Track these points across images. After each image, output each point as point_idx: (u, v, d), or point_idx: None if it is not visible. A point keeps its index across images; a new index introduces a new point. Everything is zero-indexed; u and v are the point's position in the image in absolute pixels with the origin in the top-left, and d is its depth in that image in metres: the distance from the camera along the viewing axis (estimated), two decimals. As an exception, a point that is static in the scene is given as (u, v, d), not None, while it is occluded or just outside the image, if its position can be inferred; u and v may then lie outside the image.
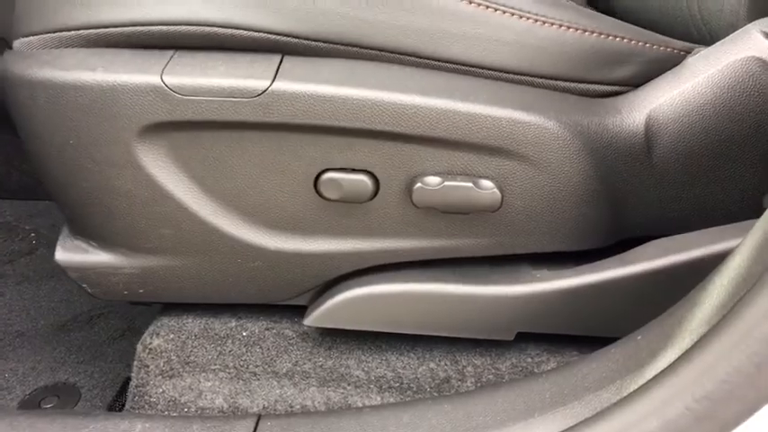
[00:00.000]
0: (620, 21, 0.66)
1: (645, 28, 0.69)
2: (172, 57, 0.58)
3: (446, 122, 0.57)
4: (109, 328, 0.99)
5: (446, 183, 0.59)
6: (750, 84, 0.59)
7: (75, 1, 0.60)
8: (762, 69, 0.59)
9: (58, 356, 0.93)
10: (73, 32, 0.60)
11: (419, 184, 0.59)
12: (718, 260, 0.48)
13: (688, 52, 0.65)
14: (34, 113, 0.59)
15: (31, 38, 0.61)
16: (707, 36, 0.74)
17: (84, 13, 0.59)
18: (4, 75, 0.61)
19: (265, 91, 0.56)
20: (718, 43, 0.62)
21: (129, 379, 0.85)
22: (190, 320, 0.72)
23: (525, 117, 0.58)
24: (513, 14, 0.60)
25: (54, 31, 0.60)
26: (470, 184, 0.59)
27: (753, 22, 0.63)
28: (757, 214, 0.48)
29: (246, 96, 0.56)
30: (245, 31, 0.58)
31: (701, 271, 0.49)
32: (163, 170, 0.60)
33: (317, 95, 0.56)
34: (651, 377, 0.43)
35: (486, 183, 0.60)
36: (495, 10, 0.59)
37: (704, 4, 0.74)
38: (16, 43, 0.63)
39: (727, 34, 0.64)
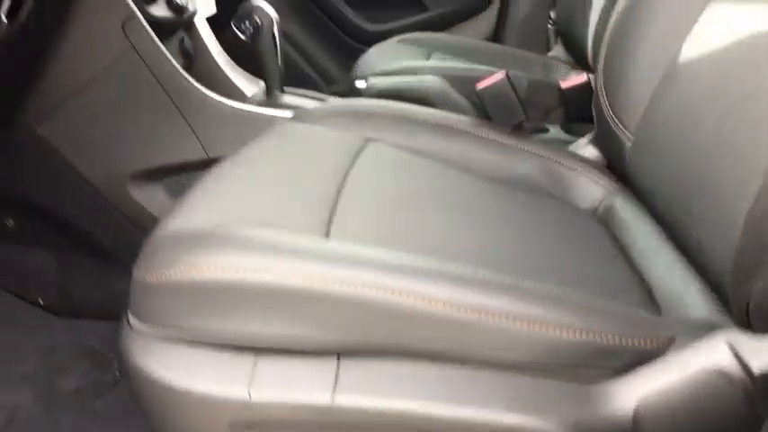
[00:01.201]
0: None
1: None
2: (254, 367, 0.74)
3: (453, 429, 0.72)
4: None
5: None
6: (721, 389, 0.72)
7: (182, 305, 0.77)
8: (725, 382, 0.72)
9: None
10: (178, 330, 0.78)
11: None
12: None
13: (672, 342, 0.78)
14: (146, 399, 0.77)
15: (148, 326, 0.79)
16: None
17: (188, 317, 0.77)
18: (125, 353, 0.79)
19: (327, 404, 0.73)
20: (693, 346, 0.76)
21: None
22: None
23: (521, 420, 0.72)
24: (522, 321, 0.75)
25: (164, 326, 0.78)
26: None
27: (723, 332, 0.76)
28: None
29: (311, 409, 0.73)
30: (309, 341, 0.75)
31: None
32: None
33: (370, 410, 0.73)
34: None
35: None
36: (506, 318, 0.74)
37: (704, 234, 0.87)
38: (134, 322, 0.81)
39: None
